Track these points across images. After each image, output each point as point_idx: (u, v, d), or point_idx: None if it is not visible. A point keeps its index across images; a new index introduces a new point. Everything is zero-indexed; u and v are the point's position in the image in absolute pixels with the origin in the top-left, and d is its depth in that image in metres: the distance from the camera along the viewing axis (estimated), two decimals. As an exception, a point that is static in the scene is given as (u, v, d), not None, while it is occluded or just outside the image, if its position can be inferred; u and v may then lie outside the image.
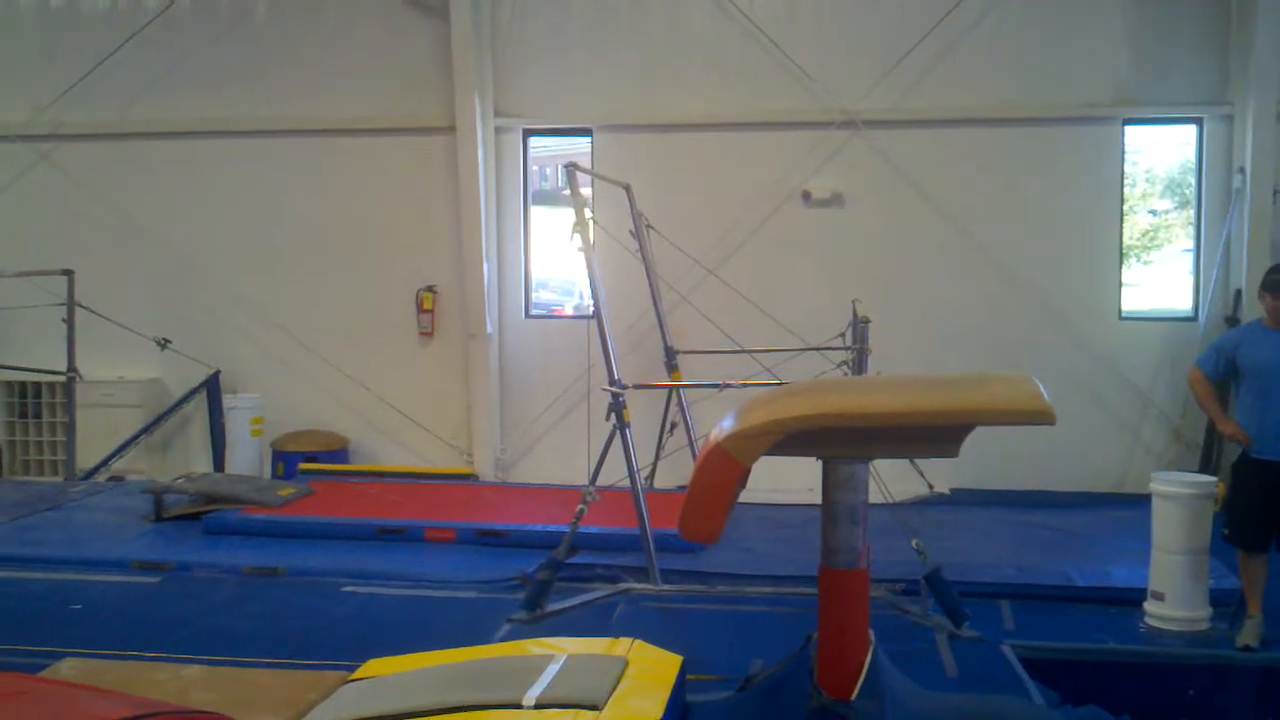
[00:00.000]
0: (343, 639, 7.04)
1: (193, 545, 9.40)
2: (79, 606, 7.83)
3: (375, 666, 5.87)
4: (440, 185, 12.72)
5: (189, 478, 10.93)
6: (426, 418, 12.91)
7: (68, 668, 5.92)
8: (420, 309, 12.89)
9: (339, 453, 12.81)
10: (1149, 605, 7.35)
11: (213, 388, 13.04)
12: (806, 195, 12.13)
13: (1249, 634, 6.92)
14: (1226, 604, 7.31)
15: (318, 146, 12.99)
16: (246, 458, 12.89)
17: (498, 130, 12.64)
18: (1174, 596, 7.21)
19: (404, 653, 6.07)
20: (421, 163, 12.81)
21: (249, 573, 8.64)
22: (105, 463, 12.61)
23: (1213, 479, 7.38)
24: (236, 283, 13.11)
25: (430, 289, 12.87)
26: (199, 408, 13.20)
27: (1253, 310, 7.48)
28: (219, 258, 13.18)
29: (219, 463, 12.97)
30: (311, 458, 12.51)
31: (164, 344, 12.47)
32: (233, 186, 13.17)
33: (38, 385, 13.30)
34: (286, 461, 12.62)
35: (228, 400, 12.97)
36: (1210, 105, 11.64)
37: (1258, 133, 11.23)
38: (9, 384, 13.41)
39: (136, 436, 12.81)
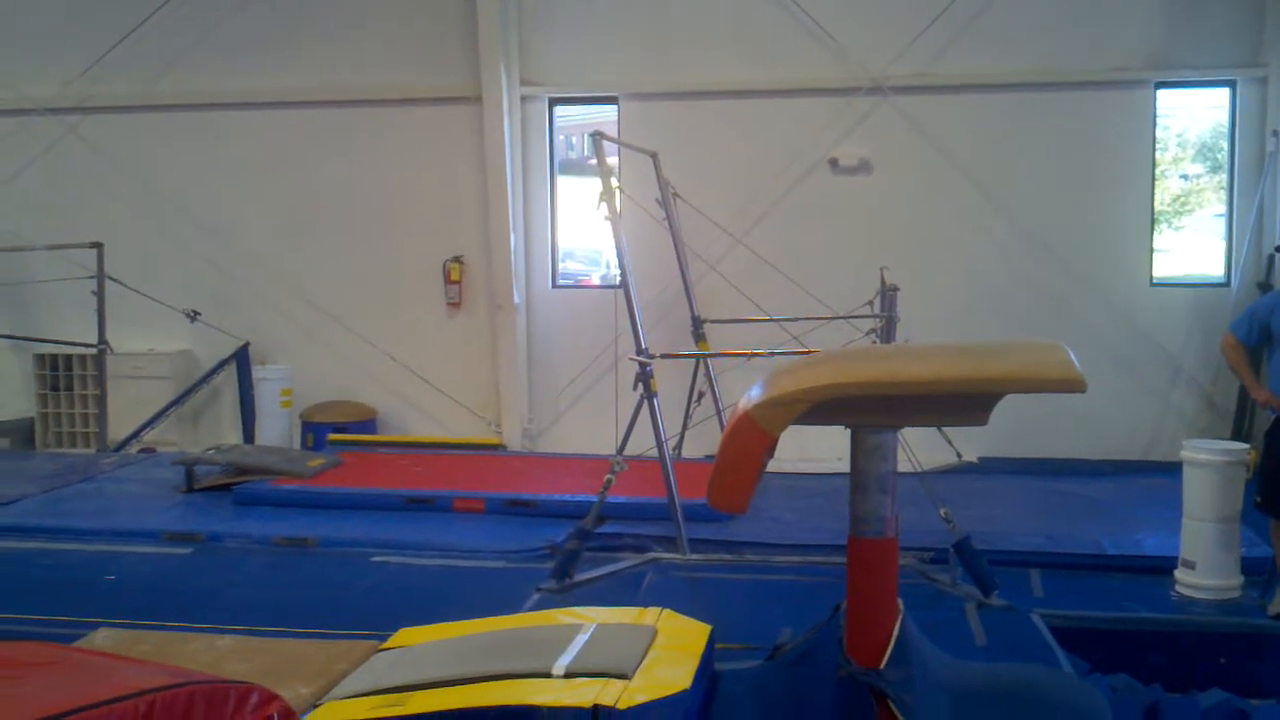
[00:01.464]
0: (373, 609, 7.07)
1: (223, 516, 9.47)
2: (112, 577, 7.91)
3: (405, 636, 5.91)
4: (466, 155, 12.69)
5: (219, 449, 11.00)
6: (454, 388, 12.93)
7: (102, 638, 5.99)
8: (447, 280, 12.89)
9: (367, 423, 12.88)
10: (1180, 574, 7.31)
11: (242, 359, 13.11)
12: (834, 162, 12.03)
13: (1281, 602, 6.88)
14: (1258, 572, 7.25)
15: (343, 117, 13.00)
16: (276, 429, 12.99)
17: (524, 99, 12.58)
18: (1205, 565, 7.16)
19: (434, 622, 6.10)
20: (447, 133, 12.77)
21: (279, 543, 8.68)
22: (136, 434, 12.71)
23: (1245, 446, 7.30)
24: (265, 254, 13.17)
25: (457, 259, 12.87)
26: (228, 379, 13.28)
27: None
28: (247, 230, 13.23)
29: (249, 434, 13.06)
30: (340, 428, 12.59)
31: (193, 316, 12.58)
32: (259, 158, 13.19)
33: (69, 358, 13.39)
34: (315, 432, 12.68)
35: (257, 372, 13.05)
36: (1244, 67, 11.44)
37: (1293, 95, 11.08)
38: (40, 357, 13.51)
39: (167, 408, 12.89)
